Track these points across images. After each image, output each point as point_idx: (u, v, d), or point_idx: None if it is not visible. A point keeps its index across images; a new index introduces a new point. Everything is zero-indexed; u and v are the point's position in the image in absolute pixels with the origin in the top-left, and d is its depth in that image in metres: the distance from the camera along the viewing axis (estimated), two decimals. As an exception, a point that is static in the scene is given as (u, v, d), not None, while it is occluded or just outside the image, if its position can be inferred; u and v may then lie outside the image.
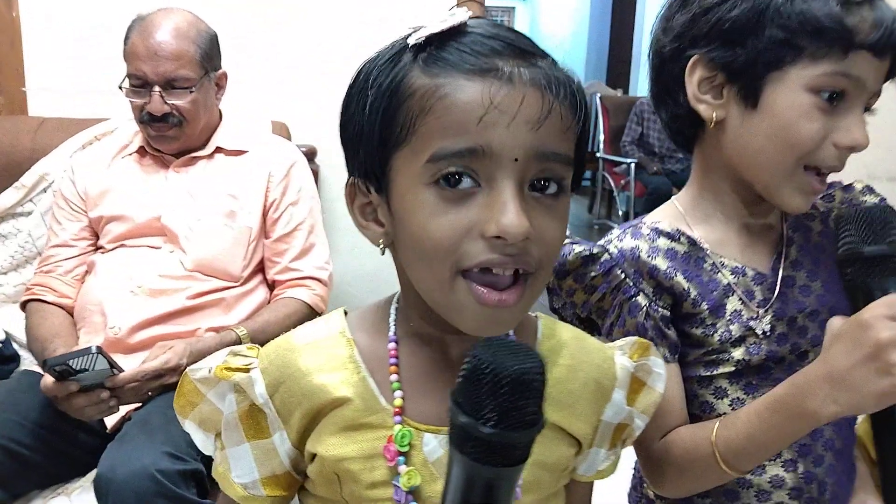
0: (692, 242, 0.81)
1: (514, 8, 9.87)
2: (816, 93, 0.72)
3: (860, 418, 0.86)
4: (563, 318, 0.85)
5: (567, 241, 0.80)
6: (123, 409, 1.35)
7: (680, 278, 0.79)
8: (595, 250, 0.81)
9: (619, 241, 0.81)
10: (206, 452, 0.68)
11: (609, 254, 0.80)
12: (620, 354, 0.70)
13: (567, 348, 0.68)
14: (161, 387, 1.32)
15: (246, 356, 0.66)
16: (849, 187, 0.89)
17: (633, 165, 4.95)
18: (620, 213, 5.41)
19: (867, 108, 0.75)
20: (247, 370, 0.65)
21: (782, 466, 0.80)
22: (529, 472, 0.63)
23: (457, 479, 0.46)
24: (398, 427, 0.60)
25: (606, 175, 5.49)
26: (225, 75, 1.61)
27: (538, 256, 0.56)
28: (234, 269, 1.52)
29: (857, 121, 0.72)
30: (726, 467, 0.72)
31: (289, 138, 1.88)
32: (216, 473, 0.68)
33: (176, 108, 1.49)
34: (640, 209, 5.09)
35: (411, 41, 0.56)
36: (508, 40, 0.55)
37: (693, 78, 0.77)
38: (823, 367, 0.65)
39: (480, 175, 0.54)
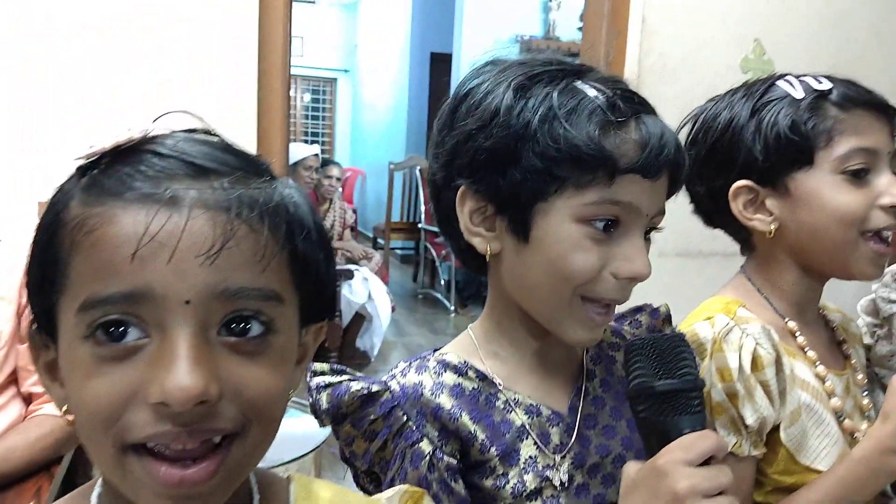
0: (482, 377, 0.72)
1: (335, 80, 9.96)
2: (587, 223, 0.66)
3: None
4: (354, 471, 0.73)
5: (344, 378, 0.69)
6: None
7: (466, 419, 0.69)
8: (375, 388, 0.69)
9: (402, 376, 0.72)
10: None
11: (390, 392, 0.69)
12: None
13: None
14: None
15: None
16: (655, 312, 0.86)
17: (452, 236, 5.06)
18: (443, 282, 5.49)
19: (653, 228, 0.70)
20: None
21: None
22: None
23: None
24: None
25: (429, 245, 5.57)
26: None
27: (237, 416, 0.44)
28: (-23, 382, 1.26)
29: (635, 249, 0.66)
30: None
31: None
32: None
33: None
34: (460, 278, 5.21)
35: (79, 161, 0.46)
36: (189, 158, 0.45)
37: (464, 209, 0.70)
38: None
39: (148, 323, 0.43)
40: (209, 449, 0.44)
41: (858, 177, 0.82)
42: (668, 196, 0.70)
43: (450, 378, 0.71)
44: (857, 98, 0.83)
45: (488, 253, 0.70)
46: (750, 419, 0.80)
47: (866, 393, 0.91)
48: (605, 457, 0.73)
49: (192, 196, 0.43)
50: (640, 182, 0.65)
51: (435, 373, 0.72)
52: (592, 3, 2.24)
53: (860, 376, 0.93)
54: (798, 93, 0.84)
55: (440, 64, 7.22)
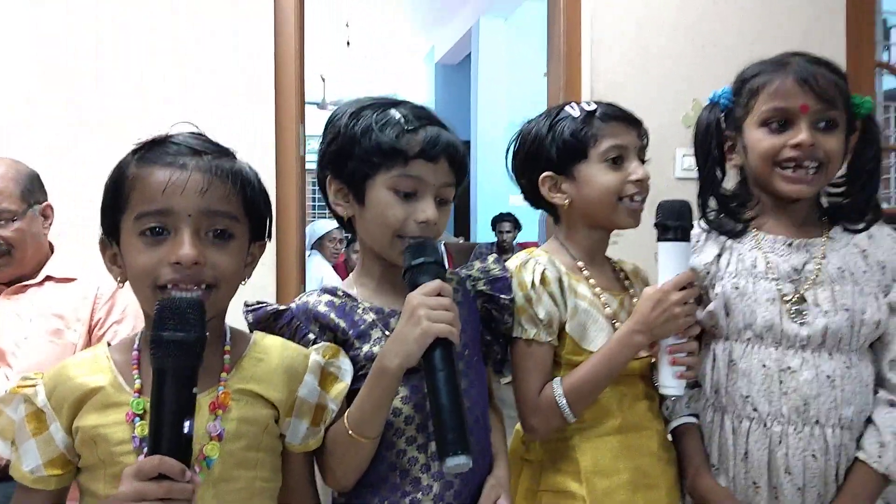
0: (348, 296, 1.13)
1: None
2: (395, 191, 1.06)
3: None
4: None
5: (263, 304, 1.11)
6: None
7: (333, 317, 1.09)
8: (281, 308, 1.10)
9: (298, 300, 1.13)
10: (5, 457, 0.91)
11: (290, 309, 1.10)
12: (315, 353, 1.02)
13: (271, 349, 1.01)
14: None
15: (32, 378, 0.93)
16: (484, 258, 1.27)
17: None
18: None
19: (445, 200, 1.09)
20: (33, 386, 0.91)
21: None
22: (235, 426, 0.92)
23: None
24: (135, 399, 0.89)
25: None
26: (50, 207, 1.86)
27: (214, 276, 0.90)
28: (57, 380, 1.66)
29: (426, 204, 1.07)
30: (356, 435, 0.99)
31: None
32: (13, 470, 0.91)
33: (2, 238, 1.74)
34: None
35: (135, 146, 0.93)
36: (188, 145, 0.92)
37: (330, 190, 1.13)
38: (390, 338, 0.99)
39: (169, 226, 0.89)
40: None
41: (616, 163, 1.24)
42: (459, 178, 1.11)
43: (325, 297, 1.12)
44: (613, 114, 1.25)
45: (346, 217, 1.14)
46: (541, 314, 1.21)
47: None
48: None
49: (192, 164, 0.90)
50: (425, 164, 1.06)
51: (318, 295, 1.13)
52: (551, 87, 2.72)
53: (635, 300, 1.28)
54: (576, 113, 1.25)
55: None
